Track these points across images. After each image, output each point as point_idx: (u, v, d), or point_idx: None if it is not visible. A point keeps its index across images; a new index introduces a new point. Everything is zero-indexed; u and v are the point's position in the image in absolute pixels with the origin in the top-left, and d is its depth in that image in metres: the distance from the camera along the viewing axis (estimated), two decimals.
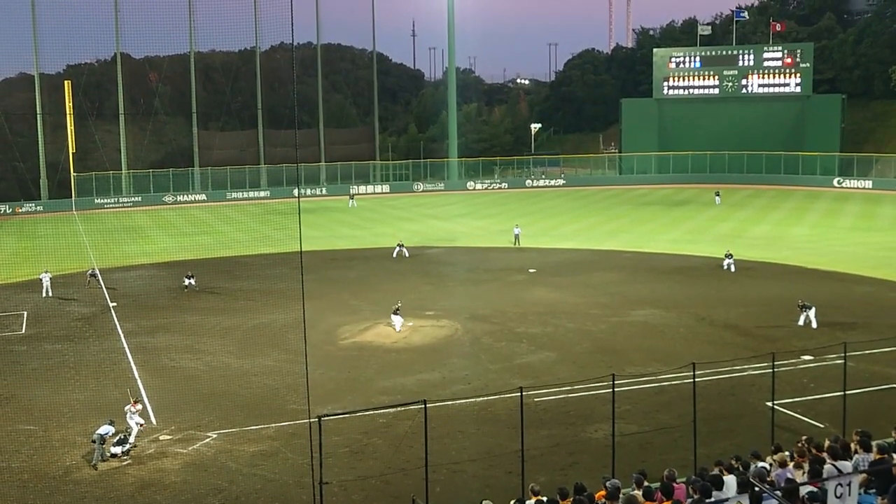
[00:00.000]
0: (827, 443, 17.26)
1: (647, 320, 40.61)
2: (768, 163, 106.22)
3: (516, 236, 64.22)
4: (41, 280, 49.74)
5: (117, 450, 25.59)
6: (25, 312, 45.26)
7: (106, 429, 25.73)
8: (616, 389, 23.45)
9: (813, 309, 38.40)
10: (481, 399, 29.18)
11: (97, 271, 52.47)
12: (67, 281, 52.79)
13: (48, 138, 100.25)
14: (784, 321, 39.20)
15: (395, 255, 59.83)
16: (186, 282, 49.82)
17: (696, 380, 24.18)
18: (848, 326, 38.10)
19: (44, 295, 48.91)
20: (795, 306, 39.20)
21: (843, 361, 26.14)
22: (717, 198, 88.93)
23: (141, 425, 27.01)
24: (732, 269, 51.76)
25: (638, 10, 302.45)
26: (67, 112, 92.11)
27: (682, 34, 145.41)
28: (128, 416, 26.89)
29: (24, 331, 41.81)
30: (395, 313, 39.44)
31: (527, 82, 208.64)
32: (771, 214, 79.70)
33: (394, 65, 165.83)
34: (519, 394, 21.98)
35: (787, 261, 55.23)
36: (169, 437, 27.31)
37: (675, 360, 32.11)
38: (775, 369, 25.97)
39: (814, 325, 38.02)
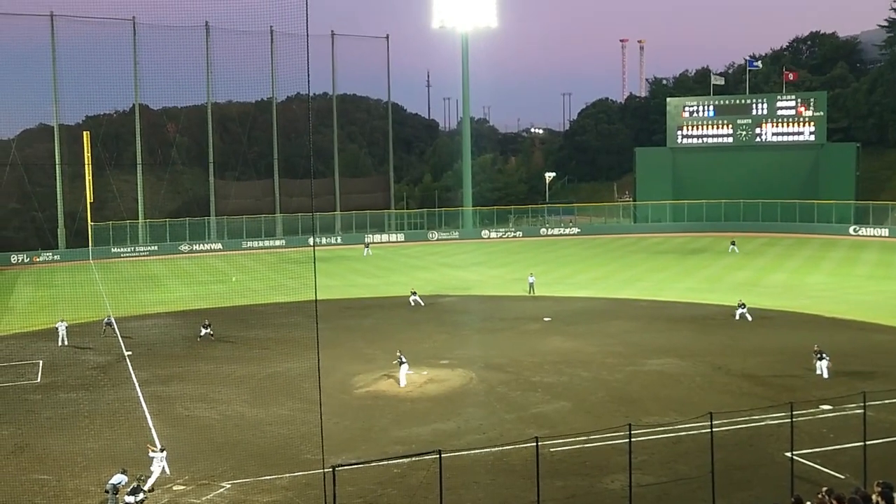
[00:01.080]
0: (848, 494, 17.02)
1: (664, 369, 40.33)
2: (783, 211, 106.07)
3: (531, 285, 64.08)
4: (57, 329, 49.89)
5: (130, 499, 25.41)
6: (41, 361, 45.36)
7: (119, 478, 25.62)
8: (632, 439, 23.23)
9: (826, 360, 37.89)
10: (496, 449, 28.94)
11: (113, 319, 52.65)
12: (83, 330, 52.97)
13: (66, 188, 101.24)
14: (802, 370, 38.83)
15: (412, 303, 59.78)
16: (203, 332, 49.87)
17: (714, 430, 23.94)
18: (867, 375, 37.74)
19: (60, 344, 49.02)
20: (811, 353, 38.78)
21: (862, 411, 25.84)
22: (732, 247, 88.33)
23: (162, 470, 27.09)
24: (748, 317, 51.29)
25: (651, 60, 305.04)
26: (86, 162, 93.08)
27: (695, 83, 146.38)
28: (155, 461, 26.98)
29: (39, 379, 41.85)
30: (402, 363, 39.06)
31: (541, 132, 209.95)
32: (787, 262, 79.40)
33: (409, 115, 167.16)
34: (534, 444, 21.80)
35: (804, 309, 54.88)
36: (182, 486, 27.14)
37: (691, 410, 31.85)
38: (794, 419, 25.68)
39: (825, 375, 37.56)
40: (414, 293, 60.85)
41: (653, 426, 30.48)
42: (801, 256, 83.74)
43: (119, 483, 25.47)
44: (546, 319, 53.69)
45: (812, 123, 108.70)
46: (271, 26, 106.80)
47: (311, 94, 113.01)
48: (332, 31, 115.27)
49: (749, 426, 30.79)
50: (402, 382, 38.34)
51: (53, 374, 42.83)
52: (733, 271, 73.77)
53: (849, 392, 32.81)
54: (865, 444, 24.97)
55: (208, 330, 49.95)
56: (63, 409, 36.44)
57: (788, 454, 25.29)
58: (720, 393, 36.01)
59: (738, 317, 51.43)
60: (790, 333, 47.75)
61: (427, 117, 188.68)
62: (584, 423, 31.76)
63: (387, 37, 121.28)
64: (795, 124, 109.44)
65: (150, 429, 32.94)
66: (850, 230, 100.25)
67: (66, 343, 49.13)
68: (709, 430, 23.84)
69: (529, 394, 36.76)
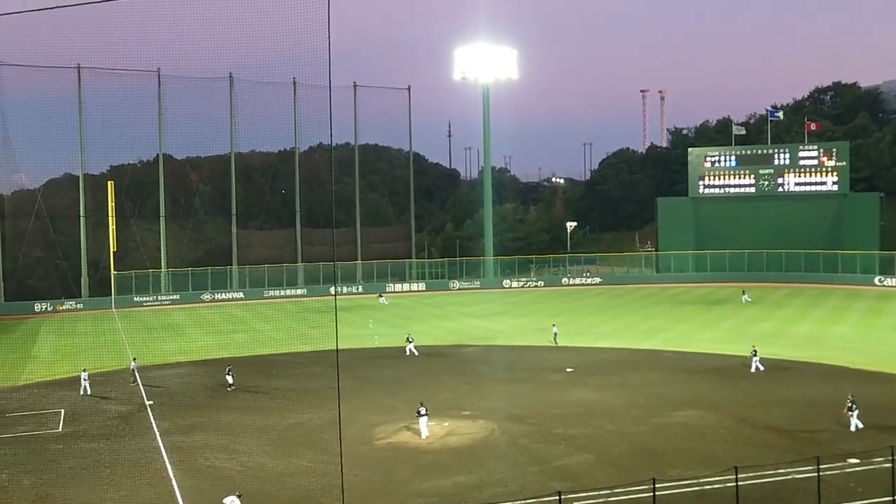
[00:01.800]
0: None
1: (688, 422, 39.87)
2: (807, 261, 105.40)
3: (555, 335, 63.78)
4: (80, 379, 49.85)
5: None
6: (63, 410, 45.41)
7: None
8: (657, 493, 22.92)
9: (855, 411, 37.34)
10: (519, 503, 28.59)
11: (135, 366, 53.00)
12: (106, 379, 53.11)
13: (90, 237, 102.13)
14: (829, 423, 38.28)
15: (407, 352, 60.11)
16: (230, 379, 49.60)
17: (739, 483, 23.60)
18: (895, 429, 37.12)
19: (82, 393, 48.98)
20: (843, 405, 38.06)
21: (891, 465, 25.41)
22: (744, 296, 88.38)
23: None
24: (760, 367, 50.90)
25: (671, 110, 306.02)
26: (110, 212, 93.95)
27: (716, 133, 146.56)
28: None
29: (60, 429, 41.86)
30: (421, 415, 38.77)
31: (562, 181, 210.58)
32: (811, 313, 78.72)
33: (430, 164, 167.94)
34: (557, 498, 21.54)
35: (829, 360, 54.26)
36: None
37: (716, 464, 31.45)
38: (821, 473, 25.31)
39: (852, 427, 36.90)
40: (410, 340, 61.21)
41: (677, 480, 30.04)
42: (826, 307, 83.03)
43: None
44: (568, 370, 53.33)
45: (835, 173, 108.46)
46: (294, 77, 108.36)
47: (333, 144, 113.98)
48: (354, 83, 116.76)
49: (775, 480, 30.30)
50: (424, 434, 38.06)
51: (75, 423, 42.83)
52: (757, 322, 73.16)
53: (877, 445, 32.31)
54: (895, 499, 24.53)
55: (229, 378, 49.76)
56: (84, 458, 36.37)
57: None
58: (745, 446, 35.51)
59: (753, 368, 50.98)
60: (815, 385, 47.21)
61: (448, 167, 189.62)
62: (607, 477, 31.37)
63: (408, 88, 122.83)
64: (818, 174, 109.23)
65: (170, 479, 32.79)
66: (875, 280, 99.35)
67: (88, 393, 49.11)
68: (734, 484, 23.50)
69: (552, 446, 36.38)
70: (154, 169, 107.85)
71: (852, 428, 36.86)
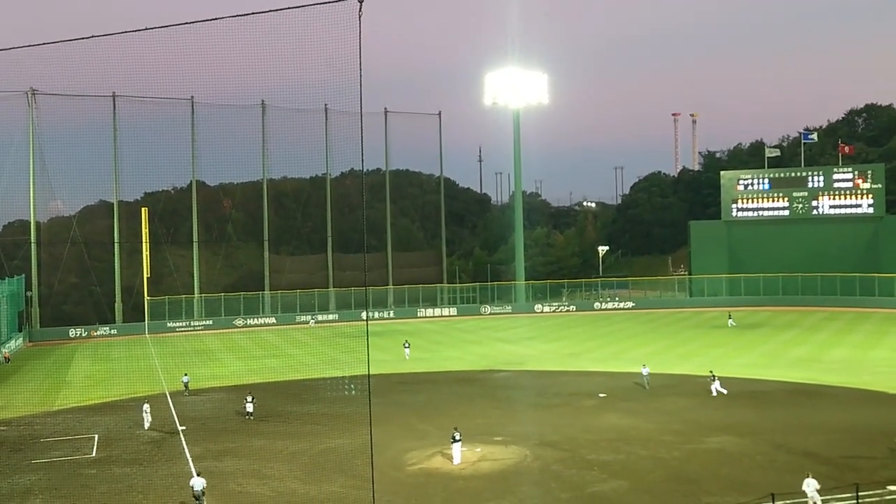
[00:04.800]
0: None
1: (723, 447, 39.35)
2: (843, 285, 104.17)
3: (645, 377, 56.88)
4: (143, 412, 48.29)
5: None
6: (96, 435, 45.58)
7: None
8: None
9: None
10: None
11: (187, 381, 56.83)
12: (140, 404, 53.07)
13: (124, 263, 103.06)
14: (868, 450, 37.61)
15: (406, 357, 67.89)
16: (250, 408, 49.17)
17: None
18: None
19: (146, 426, 47.44)
20: (886, 434, 37.43)
21: None
22: (730, 321, 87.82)
23: None
24: (724, 391, 50.58)
25: (703, 133, 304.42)
26: (143, 238, 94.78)
27: (749, 156, 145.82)
28: None
29: (94, 454, 42.00)
30: (455, 441, 38.56)
31: (593, 205, 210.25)
32: (848, 337, 77.67)
33: (461, 189, 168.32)
34: None
35: (867, 385, 53.46)
36: None
37: (753, 490, 30.99)
38: (859, 500, 24.82)
39: None
40: (407, 346, 69.74)
41: None
42: (863, 331, 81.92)
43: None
44: (601, 395, 52.91)
45: (870, 196, 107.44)
46: (325, 104, 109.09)
47: (364, 170, 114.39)
48: (385, 109, 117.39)
49: None
50: (456, 459, 37.83)
51: (108, 448, 42.98)
52: (792, 346, 72.32)
53: None
54: None
55: (250, 406, 49.16)
56: (117, 483, 36.44)
57: None
58: (782, 472, 34.94)
59: (714, 392, 50.46)
60: (853, 410, 46.48)
61: (479, 192, 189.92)
62: None
63: (439, 114, 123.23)
64: (853, 196, 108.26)
65: None
66: None
67: (149, 425, 47.58)
68: None
69: (585, 472, 36.00)
70: (187, 195, 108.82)
71: None
